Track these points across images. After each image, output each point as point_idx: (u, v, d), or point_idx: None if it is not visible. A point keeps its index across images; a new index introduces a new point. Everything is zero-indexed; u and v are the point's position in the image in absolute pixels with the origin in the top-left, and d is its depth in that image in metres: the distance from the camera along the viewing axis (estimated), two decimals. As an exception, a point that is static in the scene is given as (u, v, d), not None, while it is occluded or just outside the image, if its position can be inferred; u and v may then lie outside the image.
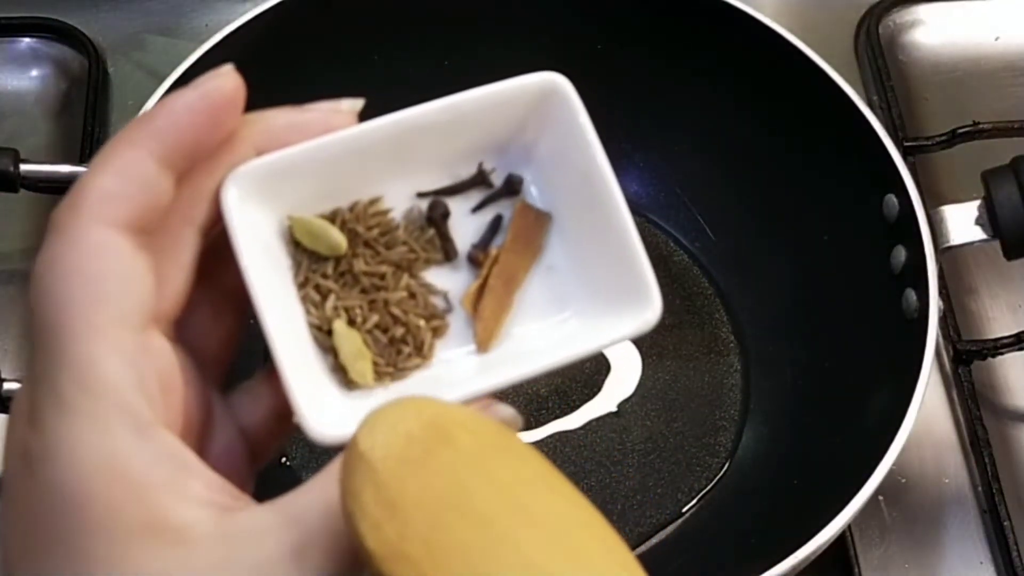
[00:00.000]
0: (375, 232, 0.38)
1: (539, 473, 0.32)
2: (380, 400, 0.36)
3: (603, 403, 0.69)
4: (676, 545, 0.65)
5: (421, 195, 0.38)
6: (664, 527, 0.66)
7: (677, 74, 0.73)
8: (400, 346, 0.37)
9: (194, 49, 0.66)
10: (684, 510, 0.66)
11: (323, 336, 0.37)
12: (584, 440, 0.68)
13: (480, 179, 0.38)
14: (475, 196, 0.39)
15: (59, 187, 0.69)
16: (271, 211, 0.36)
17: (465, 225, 0.38)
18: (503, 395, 0.74)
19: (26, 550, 0.32)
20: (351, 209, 0.37)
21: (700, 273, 0.74)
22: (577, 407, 0.69)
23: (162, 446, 0.32)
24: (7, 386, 0.63)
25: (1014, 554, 0.65)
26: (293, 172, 0.36)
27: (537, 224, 0.38)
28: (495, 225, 0.39)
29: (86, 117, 0.77)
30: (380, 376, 0.37)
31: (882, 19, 0.84)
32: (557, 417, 0.68)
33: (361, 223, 0.37)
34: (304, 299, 0.37)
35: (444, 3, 0.72)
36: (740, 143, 0.73)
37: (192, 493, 0.32)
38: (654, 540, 0.65)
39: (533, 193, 0.39)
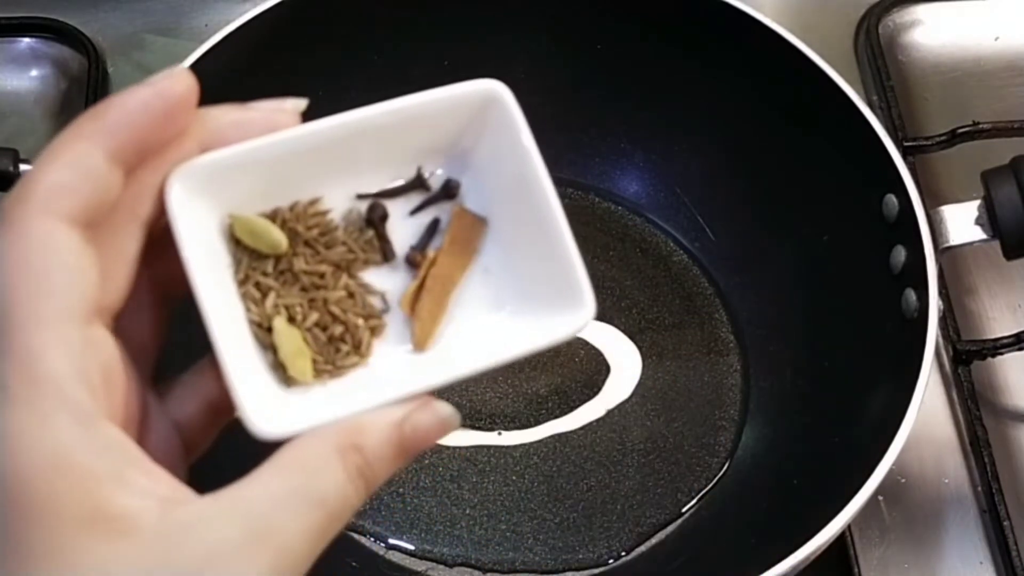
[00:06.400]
0: (315, 232, 0.38)
1: None
2: (319, 397, 0.37)
3: (602, 403, 0.69)
4: (676, 545, 0.65)
5: (360, 197, 0.39)
6: (664, 527, 0.65)
7: (677, 74, 0.73)
8: (339, 344, 0.38)
9: (194, 49, 0.66)
10: (684, 510, 0.66)
11: (263, 333, 0.37)
12: (584, 440, 0.68)
13: (419, 183, 0.39)
14: (414, 199, 0.39)
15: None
16: (214, 208, 0.37)
17: (403, 227, 0.39)
18: (494, 395, 0.74)
19: None
20: (291, 209, 0.38)
21: (700, 273, 0.73)
22: (576, 407, 0.69)
23: (105, 438, 0.32)
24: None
25: (1014, 554, 0.65)
26: (236, 170, 0.36)
27: (474, 228, 0.39)
28: (433, 228, 0.39)
29: (86, 117, 0.77)
30: (319, 373, 0.37)
31: (882, 19, 0.84)
32: (556, 417, 0.68)
33: (301, 223, 0.38)
34: (245, 296, 0.37)
35: (444, 3, 0.72)
36: (740, 143, 0.72)
37: (135, 484, 0.32)
38: (654, 540, 0.65)
39: (470, 197, 0.39)
